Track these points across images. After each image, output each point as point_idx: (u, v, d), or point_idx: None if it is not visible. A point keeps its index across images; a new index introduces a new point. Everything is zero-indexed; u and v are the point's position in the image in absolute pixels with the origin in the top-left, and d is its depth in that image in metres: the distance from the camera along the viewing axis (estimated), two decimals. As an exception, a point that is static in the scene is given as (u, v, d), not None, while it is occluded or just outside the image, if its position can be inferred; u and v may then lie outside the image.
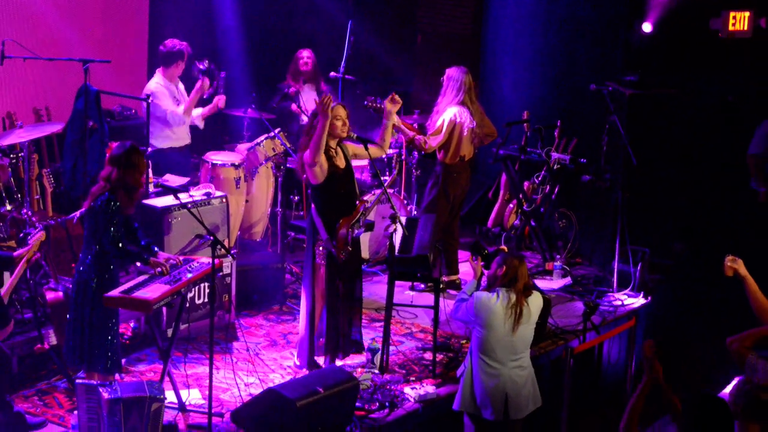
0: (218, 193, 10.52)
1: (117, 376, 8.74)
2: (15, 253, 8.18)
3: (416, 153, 12.28)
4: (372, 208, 9.82)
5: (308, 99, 12.80)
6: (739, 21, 12.25)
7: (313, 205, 9.31)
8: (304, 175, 9.30)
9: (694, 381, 9.98)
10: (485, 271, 8.60)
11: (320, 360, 9.44)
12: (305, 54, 12.93)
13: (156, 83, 11.45)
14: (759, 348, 8.12)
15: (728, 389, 9.17)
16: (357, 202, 9.37)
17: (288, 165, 11.70)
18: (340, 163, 9.28)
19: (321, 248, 9.25)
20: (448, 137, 11.12)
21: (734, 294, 9.41)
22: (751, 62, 12.63)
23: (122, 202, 8.14)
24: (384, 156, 11.13)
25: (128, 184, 8.20)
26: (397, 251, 9.52)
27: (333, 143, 9.24)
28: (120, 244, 8.07)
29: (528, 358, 8.40)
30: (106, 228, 8.05)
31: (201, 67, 11.43)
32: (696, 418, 6.56)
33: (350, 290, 9.52)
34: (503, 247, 9.12)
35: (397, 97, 9.60)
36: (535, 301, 8.36)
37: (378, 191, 11.09)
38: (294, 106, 12.64)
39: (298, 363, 9.56)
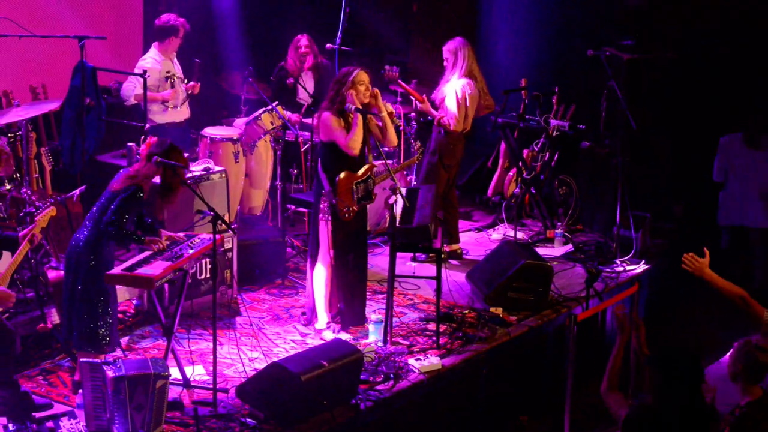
0: (217, 168, 10.49)
1: (121, 353, 8.76)
2: (20, 233, 8.12)
3: (414, 123, 12.26)
4: (381, 177, 9.77)
5: (308, 80, 12.63)
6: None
7: (319, 161, 9.33)
8: (317, 137, 9.32)
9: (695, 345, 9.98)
10: None
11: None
12: (303, 43, 12.56)
13: (150, 58, 11.42)
14: None
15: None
16: (366, 165, 9.38)
17: (286, 138, 11.66)
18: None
19: (324, 203, 9.25)
20: (465, 110, 11.11)
21: (736, 258, 9.45)
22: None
23: (154, 201, 8.09)
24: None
25: (167, 185, 8.18)
26: (398, 222, 9.51)
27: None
28: (120, 229, 8.01)
29: None
30: (117, 213, 7.99)
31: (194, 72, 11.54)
32: (664, 371, 6.51)
33: (359, 262, 9.58)
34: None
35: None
36: None
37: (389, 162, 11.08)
38: (290, 80, 12.50)
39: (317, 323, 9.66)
